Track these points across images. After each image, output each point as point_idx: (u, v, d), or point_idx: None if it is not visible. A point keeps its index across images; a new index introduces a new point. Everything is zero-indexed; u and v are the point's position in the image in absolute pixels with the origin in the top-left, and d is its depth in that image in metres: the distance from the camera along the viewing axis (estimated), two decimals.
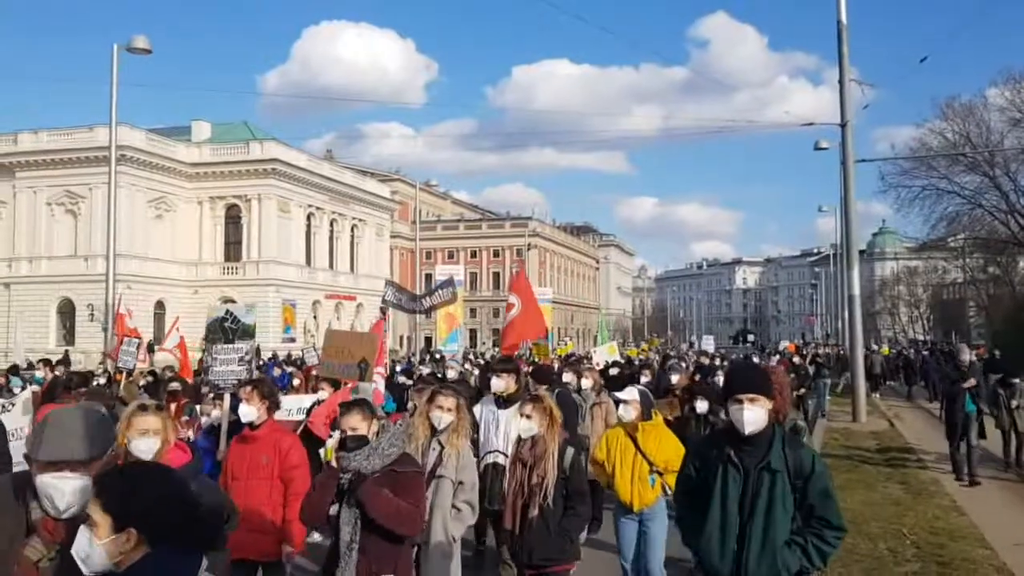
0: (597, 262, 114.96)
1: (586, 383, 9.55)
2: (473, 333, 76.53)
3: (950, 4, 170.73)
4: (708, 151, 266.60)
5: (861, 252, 27.24)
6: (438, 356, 24.21)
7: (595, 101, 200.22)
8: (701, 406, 8.32)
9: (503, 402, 6.68)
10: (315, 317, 56.26)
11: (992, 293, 48.00)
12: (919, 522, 8.73)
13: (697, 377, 13.65)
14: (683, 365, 14.83)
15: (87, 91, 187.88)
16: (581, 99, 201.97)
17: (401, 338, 67.05)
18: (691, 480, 3.82)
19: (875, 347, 36.67)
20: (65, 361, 28.44)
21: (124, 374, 13.50)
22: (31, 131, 51.83)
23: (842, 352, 26.48)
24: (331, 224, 62.23)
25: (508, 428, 6.28)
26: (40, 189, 50.57)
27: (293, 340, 45.16)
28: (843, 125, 21.37)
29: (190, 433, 8.05)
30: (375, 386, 8.83)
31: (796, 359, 20.68)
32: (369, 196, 66.95)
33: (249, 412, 5.49)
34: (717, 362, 22.28)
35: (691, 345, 55.12)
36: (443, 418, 5.18)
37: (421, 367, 18.58)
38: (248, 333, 7.69)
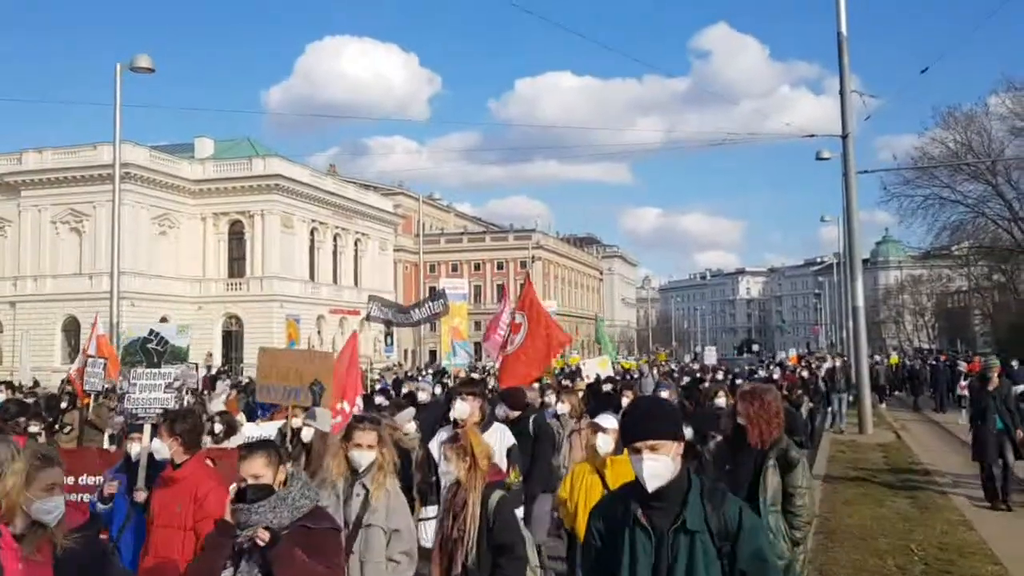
0: (601, 273, 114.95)
1: (563, 407, 8.62)
2: (478, 347, 76.43)
3: (950, 14, 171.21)
4: (711, 161, 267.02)
5: (865, 261, 27.26)
6: (438, 371, 24.16)
7: (598, 113, 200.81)
8: (685, 434, 7.71)
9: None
10: (319, 332, 56.26)
11: (997, 301, 47.93)
12: (928, 538, 8.68)
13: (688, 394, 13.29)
14: (671, 382, 14.05)
15: (91, 110, 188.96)
16: (584, 111, 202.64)
17: (406, 352, 67.11)
18: (593, 549, 3.11)
19: (878, 357, 36.61)
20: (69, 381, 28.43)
21: (92, 397, 12.77)
22: (36, 150, 52.07)
23: (845, 361, 26.33)
24: (334, 239, 62.31)
25: None
26: (45, 207, 50.77)
27: None
28: (844, 136, 21.38)
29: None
30: (337, 417, 8.19)
31: (805, 373, 20.54)
32: (372, 210, 67.05)
33: (160, 449, 4.99)
34: (720, 376, 21.27)
35: (695, 357, 54.92)
36: (363, 457, 4.47)
37: (416, 383, 17.92)
38: (178, 356, 7.27)
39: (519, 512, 5.78)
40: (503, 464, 5.79)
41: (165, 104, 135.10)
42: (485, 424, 6.05)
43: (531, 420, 7.32)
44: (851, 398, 21.63)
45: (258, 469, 3.56)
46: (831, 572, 7.51)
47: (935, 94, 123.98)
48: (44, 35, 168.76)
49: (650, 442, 2.91)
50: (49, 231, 50.85)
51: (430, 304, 18.59)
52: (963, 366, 22.84)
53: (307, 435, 7.09)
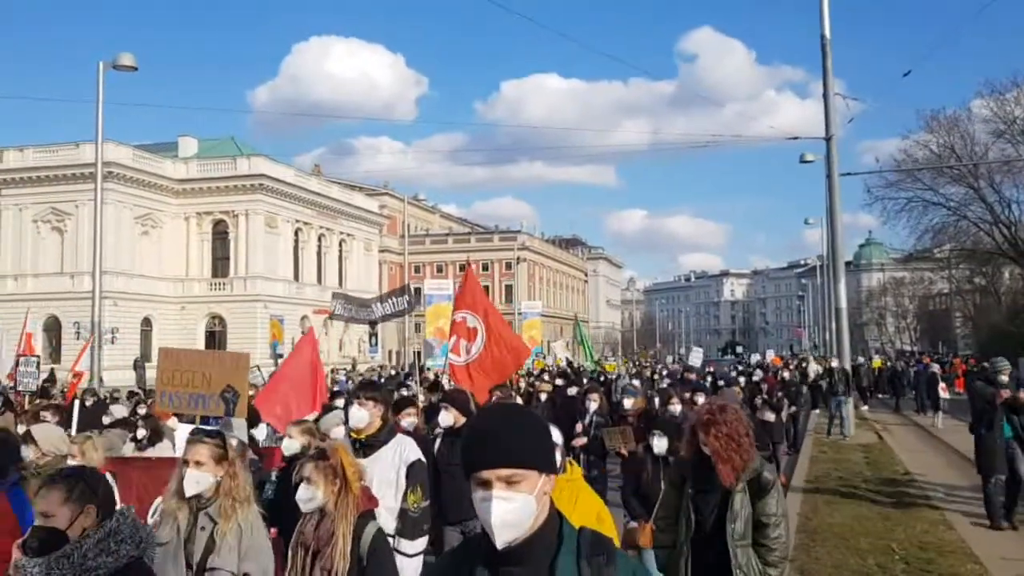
0: (586, 275, 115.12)
1: (446, 417, 7.16)
2: None
3: (933, 18, 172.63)
4: (696, 164, 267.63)
5: (848, 263, 27.43)
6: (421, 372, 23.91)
7: (584, 115, 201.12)
8: (659, 445, 6.43)
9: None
10: (303, 333, 55.97)
11: (978, 303, 48.35)
12: (908, 537, 8.73)
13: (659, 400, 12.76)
14: (637, 385, 12.78)
15: (73, 108, 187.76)
16: (570, 113, 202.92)
17: (390, 353, 66.98)
18: None
19: (861, 359, 36.80)
20: (51, 379, 28.22)
21: (27, 397, 12.43)
22: (16, 148, 51.68)
23: (855, 365, 26.28)
24: (319, 239, 62.13)
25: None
26: (26, 206, 50.36)
27: (281, 356, 44.91)
28: (828, 139, 21.51)
29: None
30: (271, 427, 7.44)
31: (786, 374, 20.15)
32: (357, 211, 66.91)
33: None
34: (708, 381, 19.67)
35: (678, 358, 54.94)
36: (193, 479, 3.62)
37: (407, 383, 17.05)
38: None
39: (419, 545, 4.95)
40: (399, 485, 4.87)
41: (149, 103, 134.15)
42: (386, 435, 5.10)
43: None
44: (862, 405, 21.58)
45: (52, 507, 2.71)
46: (812, 571, 7.54)
47: (919, 98, 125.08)
48: (26, 32, 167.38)
49: (503, 471, 1.89)
50: (31, 230, 50.45)
51: (394, 300, 17.84)
52: (936, 368, 22.96)
53: (289, 446, 6.10)
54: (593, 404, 9.36)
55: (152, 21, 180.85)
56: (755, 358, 39.52)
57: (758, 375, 23.46)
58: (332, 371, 33.44)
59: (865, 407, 26.88)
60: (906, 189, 38.86)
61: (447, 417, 6.15)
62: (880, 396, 32.45)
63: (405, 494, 4.84)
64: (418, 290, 60.77)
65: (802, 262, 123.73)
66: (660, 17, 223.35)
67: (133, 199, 50.34)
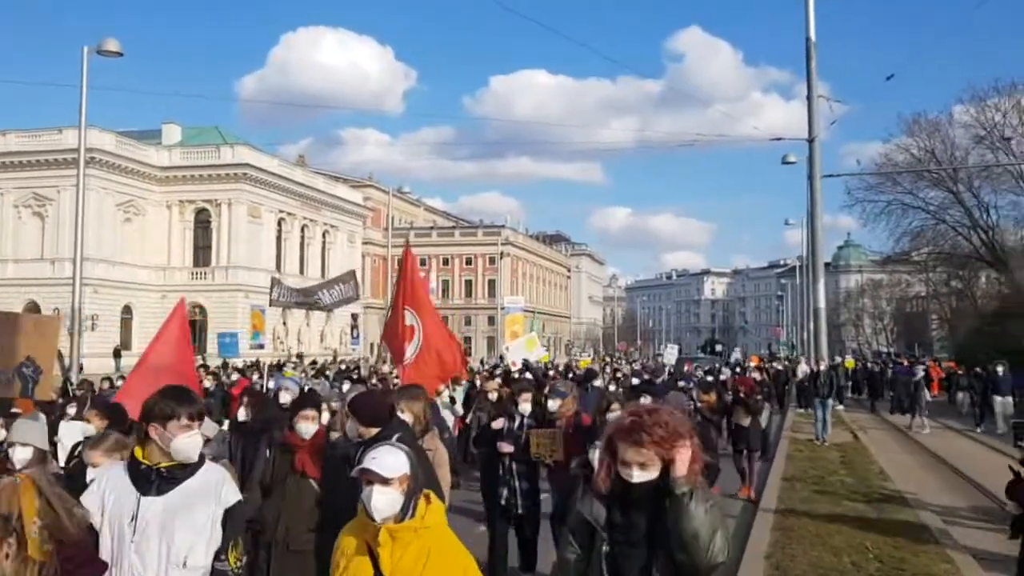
0: (569, 271, 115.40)
1: (409, 418, 5.92)
2: None
3: (917, 23, 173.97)
4: (682, 163, 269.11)
5: (827, 265, 27.70)
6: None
7: (572, 112, 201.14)
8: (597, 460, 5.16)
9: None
10: (284, 324, 55.86)
11: (955, 307, 48.85)
12: (883, 536, 8.90)
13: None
14: (569, 386, 8.83)
15: (57, 93, 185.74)
16: (558, 110, 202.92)
17: (372, 345, 66.83)
18: None
19: (839, 359, 37.17)
20: None
21: None
22: None
23: (832, 365, 26.50)
24: (302, 230, 61.94)
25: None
26: (7, 191, 49.92)
27: (262, 347, 44.70)
28: (811, 140, 21.74)
29: None
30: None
31: (756, 375, 19.61)
32: (341, 202, 66.76)
33: None
34: (683, 382, 19.02)
35: (658, 355, 55.10)
36: None
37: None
38: None
39: None
40: (212, 536, 3.57)
41: (133, 89, 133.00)
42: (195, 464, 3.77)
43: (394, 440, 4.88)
44: (837, 405, 21.75)
45: None
46: (788, 569, 7.69)
47: (902, 102, 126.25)
48: (10, 15, 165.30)
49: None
50: (11, 215, 50.02)
51: (340, 287, 16.76)
52: (920, 372, 23.18)
53: (20, 458, 4.24)
54: (525, 405, 7.55)
55: (139, 7, 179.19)
56: (734, 356, 39.73)
57: (725, 374, 23.52)
58: (312, 363, 33.39)
59: (841, 407, 27.18)
60: (886, 192, 39.33)
61: (351, 427, 5.06)
62: (855, 397, 32.81)
63: (222, 551, 3.57)
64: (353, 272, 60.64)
65: (782, 262, 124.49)
66: (649, 16, 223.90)
67: (116, 186, 49.99)
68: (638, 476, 2.82)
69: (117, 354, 43.43)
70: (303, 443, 5.40)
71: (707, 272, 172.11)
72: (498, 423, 7.68)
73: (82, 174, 23.56)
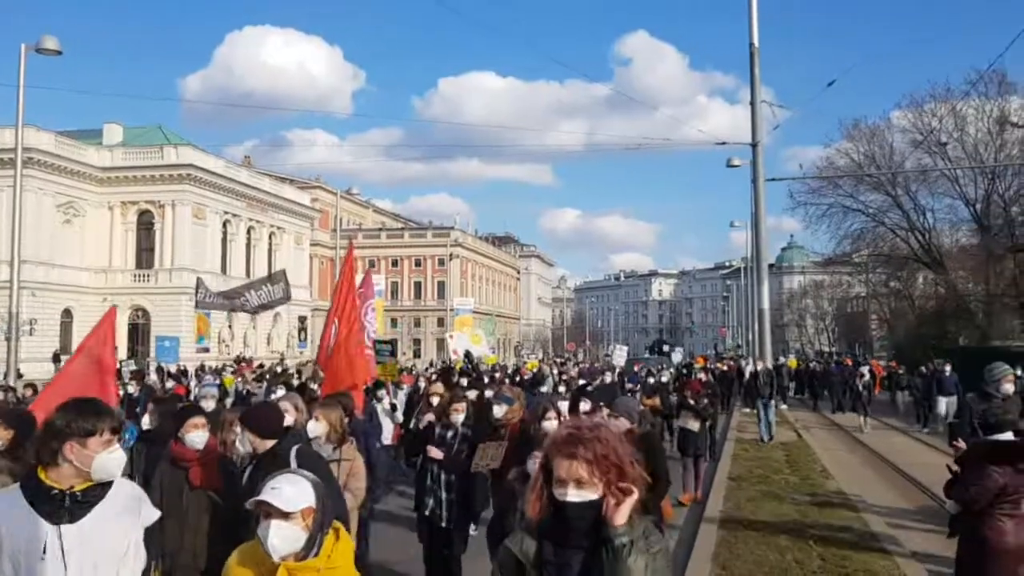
0: (518, 272, 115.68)
1: (316, 427, 5.67)
2: (394, 343, 75.97)
3: (858, 30, 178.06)
4: (629, 165, 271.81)
5: (770, 266, 28.23)
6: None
7: (521, 114, 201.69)
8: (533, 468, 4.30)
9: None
10: (230, 327, 55.06)
11: (893, 307, 50.10)
12: (825, 533, 9.11)
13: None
14: (515, 393, 8.28)
15: None
16: (508, 112, 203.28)
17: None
18: None
19: (783, 359, 37.86)
20: None
21: None
22: None
23: (776, 365, 26.94)
24: (248, 232, 61.08)
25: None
26: None
27: (207, 350, 44.08)
28: (754, 145, 22.16)
29: None
30: None
31: (702, 375, 19.42)
32: (288, 203, 65.98)
33: None
34: (631, 383, 19.43)
35: (607, 356, 55.30)
36: None
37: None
38: None
39: None
40: (134, 565, 3.23)
41: (73, 88, 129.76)
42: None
43: (292, 453, 4.56)
44: (781, 404, 21.91)
45: None
46: (733, 567, 7.83)
47: (842, 107, 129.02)
48: None
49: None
50: None
51: (268, 288, 16.28)
52: (866, 372, 23.49)
53: None
54: (458, 415, 6.89)
55: (79, 4, 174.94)
56: (676, 356, 39.96)
57: (666, 376, 22.79)
58: (259, 365, 32.95)
59: (784, 406, 27.71)
60: (827, 195, 40.21)
61: (243, 440, 4.82)
62: (799, 397, 33.44)
63: (145, 574, 3.32)
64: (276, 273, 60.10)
65: (727, 264, 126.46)
66: (597, 20, 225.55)
67: (54, 187, 48.68)
68: (573, 495, 2.39)
69: (56, 359, 42.33)
70: (195, 455, 4.97)
71: (654, 273, 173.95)
72: (427, 419, 7.34)
73: (19, 174, 23.00)
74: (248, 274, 59.92)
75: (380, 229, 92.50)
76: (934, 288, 42.35)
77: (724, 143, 27.15)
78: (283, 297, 16.34)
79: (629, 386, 17.59)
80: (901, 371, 26.70)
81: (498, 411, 7.18)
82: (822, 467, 14.30)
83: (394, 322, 78.52)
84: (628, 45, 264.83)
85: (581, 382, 16.44)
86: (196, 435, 5.06)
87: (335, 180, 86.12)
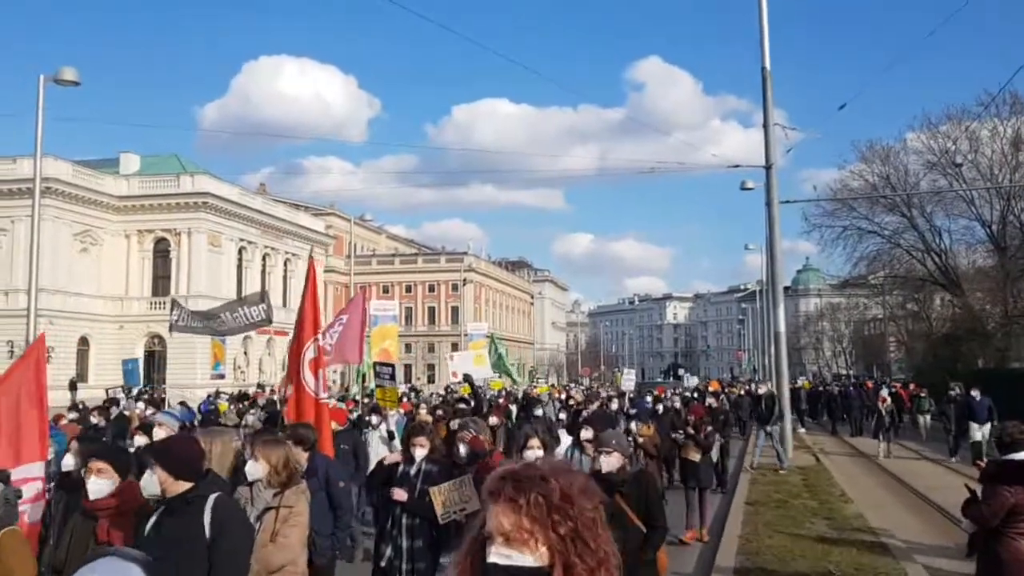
0: (532, 297, 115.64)
1: (255, 468, 4.91)
2: (408, 369, 76.03)
3: (870, 51, 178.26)
4: (643, 190, 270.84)
5: (786, 289, 28.03)
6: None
7: (534, 140, 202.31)
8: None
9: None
10: (246, 353, 55.25)
11: (911, 329, 49.70)
12: (844, 559, 8.98)
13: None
14: (480, 425, 7.41)
15: (11, 122, 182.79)
16: (520, 138, 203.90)
17: (341, 374, 66.22)
18: None
19: (800, 381, 37.62)
20: None
21: None
22: None
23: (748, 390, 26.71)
24: (263, 258, 61.43)
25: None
26: None
27: (223, 376, 44.09)
28: (768, 167, 22.08)
29: None
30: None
31: (711, 400, 17.74)
32: (303, 230, 66.41)
33: None
34: (625, 407, 18.01)
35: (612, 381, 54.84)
36: None
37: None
38: None
39: None
40: None
41: (91, 119, 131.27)
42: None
43: (209, 504, 3.88)
44: (799, 428, 21.15)
45: None
46: None
47: (856, 129, 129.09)
48: None
49: None
50: None
51: (247, 309, 15.26)
52: (886, 396, 22.79)
53: None
54: (420, 450, 6.00)
55: (98, 35, 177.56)
56: (691, 381, 39.65)
57: (675, 402, 18.73)
58: (259, 386, 32.86)
59: (802, 429, 27.45)
60: (842, 218, 40.03)
61: (149, 480, 4.12)
62: (816, 421, 33.11)
63: None
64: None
65: (742, 287, 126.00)
66: (610, 46, 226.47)
67: (72, 215, 49.22)
68: (497, 554, 1.64)
69: (73, 386, 42.53)
70: (108, 504, 4.26)
71: (669, 297, 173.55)
72: (391, 458, 6.38)
73: (37, 204, 23.19)
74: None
75: (394, 255, 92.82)
76: (951, 310, 41.99)
77: (738, 166, 27.12)
78: (263, 319, 15.15)
79: (633, 411, 16.63)
80: (923, 394, 26.26)
81: (464, 449, 6.37)
82: (841, 491, 14.12)
83: (408, 347, 78.48)
84: (641, 70, 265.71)
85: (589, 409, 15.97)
86: (95, 482, 4.25)
87: (349, 207, 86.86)
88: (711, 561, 9.08)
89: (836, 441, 25.71)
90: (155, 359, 52.25)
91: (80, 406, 16.35)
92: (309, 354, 8.17)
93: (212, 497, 3.86)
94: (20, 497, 4.45)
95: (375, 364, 13.56)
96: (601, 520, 1.74)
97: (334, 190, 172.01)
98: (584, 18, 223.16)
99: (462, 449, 6.34)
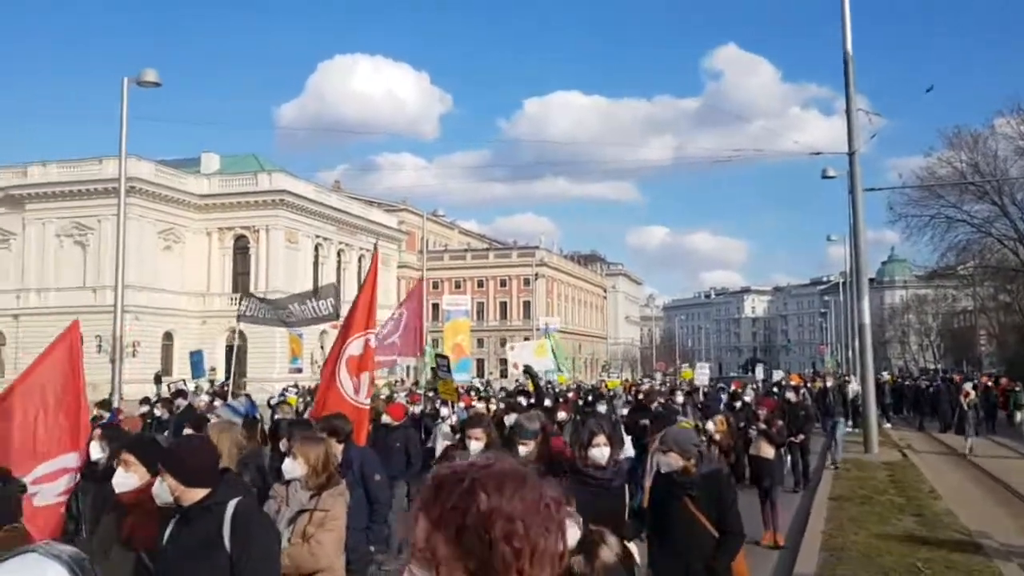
0: (605, 291, 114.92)
1: (293, 467, 4.65)
2: (480, 363, 76.34)
3: (956, 34, 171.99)
4: (719, 181, 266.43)
5: (871, 280, 27.13)
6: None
7: (607, 132, 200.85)
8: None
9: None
10: (322, 347, 56.12)
11: (1003, 321, 47.79)
12: (934, 556, 8.55)
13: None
14: (537, 423, 6.45)
15: (97, 123, 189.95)
16: (593, 130, 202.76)
17: (408, 368, 66.93)
18: None
19: (885, 375, 36.37)
20: None
21: None
22: (40, 163, 52.42)
23: (845, 380, 25.89)
24: (338, 254, 62.46)
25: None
26: (49, 221, 51.00)
27: (300, 371, 45.03)
28: (851, 154, 21.36)
29: None
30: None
31: (790, 395, 16.65)
32: (376, 226, 67.29)
33: None
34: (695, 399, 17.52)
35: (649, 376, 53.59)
36: None
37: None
38: None
39: None
40: None
41: (172, 119, 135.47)
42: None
43: (229, 511, 3.59)
44: (848, 425, 20.66)
45: None
46: None
47: (942, 114, 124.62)
48: (51, 47, 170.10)
49: None
50: (53, 244, 51.06)
51: (314, 303, 15.24)
52: (969, 389, 22.06)
53: None
54: (476, 444, 5.73)
55: (178, 38, 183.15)
56: (760, 373, 38.71)
57: (748, 395, 18.56)
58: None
59: (888, 424, 26.56)
60: (929, 206, 38.63)
61: (162, 488, 3.64)
62: (902, 416, 32.01)
63: None
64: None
65: (825, 279, 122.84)
66: (686, 35, 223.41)
67: (155, 214, 50.88)
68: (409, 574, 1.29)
69: (158, 380, 43.83)
70: (132, 499, 3.95)
71: (747, 290, 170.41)
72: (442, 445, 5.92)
73: (123, 203, 23.89)
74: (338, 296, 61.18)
75: (466, 250, 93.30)
76: None
77: (819, 153, 26.38)
78: (331, 313, 14.99)
79: (706, 407, 16.10)
80: (1018, 387, 25.11)
81: (523, 450, 5.60)
82: (930, 488, 13.52)
83: (480, 342, 78.82)
84: (718, 58, 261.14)
85: (680, 399, 15.44)
86: (121, 474, 4.00)
87: (422, 203, 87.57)
88: (792, 560, 8.74)
89: (924, 437, 24.77)
90: (236, 354, 53.56)
91: (155, 398, 16.69)
92: (353, 349, 7.65)
93: (232, 504, 3.52)
94: (24, 492, 4.10)
95: (436, 356, 13.32)
96: (562, 543, 1.29)
97: (407, 186, 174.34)
98: (659, 7, 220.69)
99: (522, 452, 5.55)
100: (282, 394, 23.48)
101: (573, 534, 3.61)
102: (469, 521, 1.24)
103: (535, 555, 1.26)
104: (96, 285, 48.63)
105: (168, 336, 51.52)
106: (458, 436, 7.47)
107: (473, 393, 21.09)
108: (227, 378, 45.47)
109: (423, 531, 1.28)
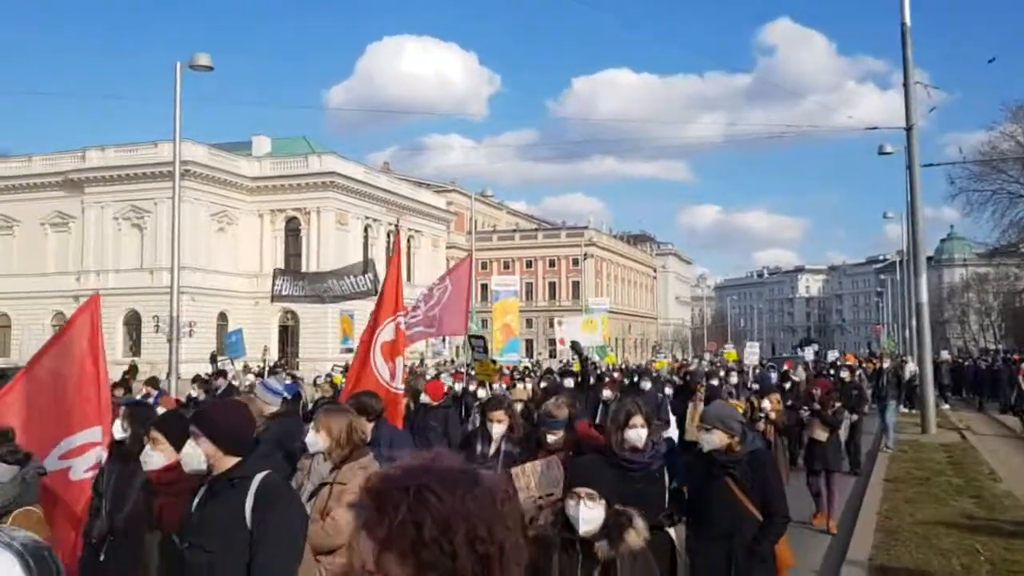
0: (655, 271, 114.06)
1: (316, 440, 4.43)
2: (529, 344, 76.46)
3: (1016, 6, 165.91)
4: (772, 158, 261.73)
5: (929, 259, 26.46)
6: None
7: (657, 110, 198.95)
8: (588, 518, 3.77)
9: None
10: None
11: None
12: (994, 538, 8.34)
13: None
14: (565, 403, 6.07)
15: (151, 107, 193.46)
16: (643, 108, 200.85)
17: (457, 348, 67.29)
18: None
19: (945, 354, 35.61)
20: (132, 371, 29.03)
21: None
22: (98, 147, 53.48)
23: (903, 361, 25.35)
24: (388, 235, 62.89)
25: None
26: (107, 204, 52.16)
27: (351, 351, 45.51)
28: (908, 129, 20.81)
29: None
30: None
31: (844, 374, 16.13)
32: (425, 207, 67.58)
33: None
34: (737, 382, 16.40)
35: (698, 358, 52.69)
36: None
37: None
38: None
39: None
40: None
41: (225, 102, 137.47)
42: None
43: (253, 486, 3.55)
44: (903, 406, 20.28)
45: None
46: (893, 571, 7.27)
47: (1005, 87, 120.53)
48: (106, 33, 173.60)
49: None
50: (111, 227, 52.24)
51: (353, 279, 15.00)
52: None
53: None
54: (498, 427, 5.56)
55: (229, 22, 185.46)
56: (810, 353, 37.71)
57: (799, 375, 17.65)
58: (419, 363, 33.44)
59: (947, 406, 26.00)
60: (991, 182, 37.53)
61: (192, 453, 3.55)
62: (961, 397, 31.31)
63: None
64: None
65: (881, 258, 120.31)
66: (738, 9, 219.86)
67: (209, 196, 51.73)
68: None
69: (214, 359, 44.69)
70: (163, 479, 3.86)
71: (801, 269, 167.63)
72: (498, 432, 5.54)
73: (177, 186, 24.23)
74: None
75: (514, 230, 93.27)
76: None
77: (875, 128, 25.98)
78: (370, 289, 14.56)
79: (754, 386, 15.51)
80: None
81: (551, 439, 5.34)
82: (990, 469, 13.19)
83: (529, 323, 78.90)
84: (771, 33, 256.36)
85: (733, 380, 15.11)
86: (148, 453, 3.93)
87: (470, 183, 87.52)
88: (846, 541, 8.59)
89: (983, 418, 24.20)
90: (288, 334, 54.44)
91: (206, 375, 16.88)
92: (386, 335, 7.49)
93: (259, 477, 3.38)
94: (44, 474, 4.07)
95: (470, 337, 13.06)
96: (520, 551, 1.19)
97: (456, 166, 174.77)
98: None
99: (551, 440, 5.31)
100: (328, 374, 23.75)
101: (596, 516, 3.61)
102: (425, 533, 1.13)
103: (503, 557, 1.16)
104: (153, 267, 49.69)
105: (223, 316, 52.45)
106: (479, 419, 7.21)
107: (515, 373, 20.90)
108: (280, 357, 46.28)
109: (370, 553, 1.14)
